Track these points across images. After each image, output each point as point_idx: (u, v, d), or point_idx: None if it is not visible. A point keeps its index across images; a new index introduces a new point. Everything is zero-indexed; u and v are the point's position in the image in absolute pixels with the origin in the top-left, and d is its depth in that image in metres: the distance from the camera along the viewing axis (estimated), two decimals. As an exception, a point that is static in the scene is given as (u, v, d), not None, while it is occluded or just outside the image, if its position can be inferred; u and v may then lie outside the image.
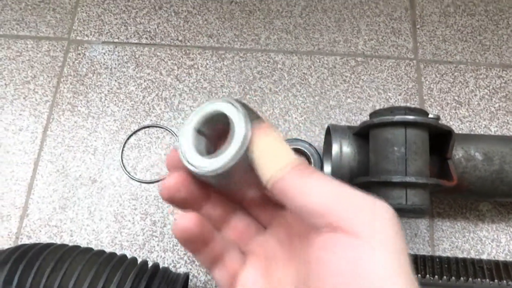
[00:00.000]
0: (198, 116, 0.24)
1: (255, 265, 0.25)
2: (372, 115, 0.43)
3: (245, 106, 0.23)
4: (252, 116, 0.24)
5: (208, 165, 0.23)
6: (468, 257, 0.50)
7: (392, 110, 0.40)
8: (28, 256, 0.41)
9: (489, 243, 0.51)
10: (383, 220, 0.20)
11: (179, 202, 0.24)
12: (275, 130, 0.24)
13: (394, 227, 0.20)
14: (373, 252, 0.19)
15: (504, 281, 0.45)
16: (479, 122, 0.57)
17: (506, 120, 0.57)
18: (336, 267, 0.19)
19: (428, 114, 0.42)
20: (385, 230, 0.20)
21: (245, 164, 0.23)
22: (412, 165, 0.39)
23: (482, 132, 0.56)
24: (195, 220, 0.23)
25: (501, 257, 0.50)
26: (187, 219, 0.23)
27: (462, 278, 0.45)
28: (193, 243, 0.24)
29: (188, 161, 0.23)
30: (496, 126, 0.56)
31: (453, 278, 0.45)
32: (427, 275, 0.45)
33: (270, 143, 0.23)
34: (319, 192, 0.21)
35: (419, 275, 0.45)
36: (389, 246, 0.19)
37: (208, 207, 0.26)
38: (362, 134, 0.44)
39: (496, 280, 0.45)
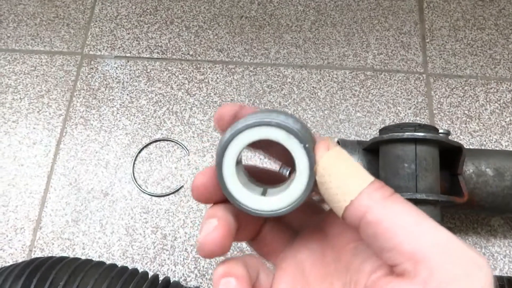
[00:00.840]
0: (241, 144, 0.20)
1: (284, 282, 0.22)
2: (382, 131, 0.43)
3: (298, 124, 0.20)
4: (308, 135, 0.20)
5: (267, 206, 0.20)
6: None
7: (402, 126, 0.41)
8: (42, 270, 0.41)
9: (501, 259, 0.51)
10: (478, 282, 0.17)
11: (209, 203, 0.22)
12: (336, 144, 0.20)
13: None
14: None
15: (517, 298, 0.44)
16: (490, 136, 0.56)
17: (517, 134, 0.56)
18: None
19: (438, 130, 0.42)
20: None
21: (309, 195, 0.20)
22: (423, 181, 0.39)
23: (493, 147, 0.56)
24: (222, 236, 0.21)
25: (513, 273, 0.50)
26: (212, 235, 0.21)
27: (473, 295, 0.44)
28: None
29: (239, 203, 0.20)
30: (507, 141, 0.56)
31: (465, 294, 0.44)
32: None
33: (338, 163, 0.20)
34: (411, 231, 0.18)
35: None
36: None
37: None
38: (372, 150, 0.44)
39: (508, 297, 0.44)
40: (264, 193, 0.20)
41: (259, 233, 0.24)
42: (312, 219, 0.24)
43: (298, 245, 0.23)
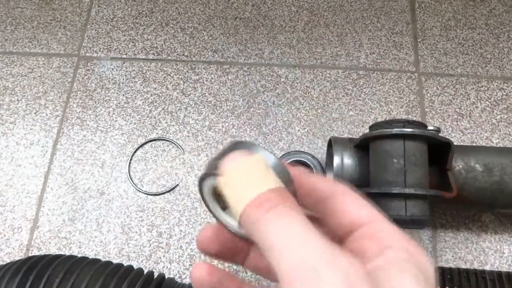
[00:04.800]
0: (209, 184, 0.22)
1: None
2: (372, 127, 0.44)
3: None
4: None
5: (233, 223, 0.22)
6: (471, 268, 0.50)
7: (391, 122, 0.41)
8: (38, 268, 0.42)
9: (492, 254, 0.51)
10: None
11: (212, 255, 0.23)
12: (249, 158, 0.20)
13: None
14: None
15: (507, 292, 0.45)
16: (481, 134, 0.57)
17: (507, 132, 0.57)
18: None
19: (427, 127, 0.42)
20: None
21: None
22: (411, 176, 0.40)
23: (483, 144, 0.57)
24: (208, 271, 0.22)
25: (504, 268, 0.51)
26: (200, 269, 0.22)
27: (464, 289, 0.45)
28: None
29: (217, 218, 0.22)
30: (498, 138, 0.57)
31: (456, 288, 0.45)
32: (429, 286, 0.45)
33: (237, 174, 0.20)
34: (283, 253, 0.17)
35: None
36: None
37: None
38: (363, 146, 0.45)
39: (498, 291, 0.45)
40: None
41: (248, 254, 0.24)
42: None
43: None
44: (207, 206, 0.23)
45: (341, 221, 0.21)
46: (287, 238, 0.17)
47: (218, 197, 0.22)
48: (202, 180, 0.22)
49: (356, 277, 0.17)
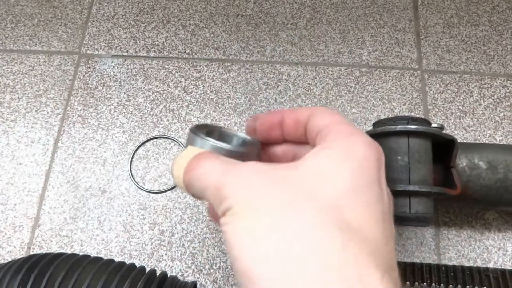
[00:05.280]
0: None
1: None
2: (375, 124, 0.44)
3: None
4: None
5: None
6: (475, 265, 0.50)
7: (395, 119, 0.41)
8: (40, 266, 0.42)
9: (496, 252, 0.51)
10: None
11: None
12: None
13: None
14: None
15: (511, 290, 0.45)
16: (484, 131, 0.57)
17: (511, 129, 0.57)
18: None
19: (431, 124, 0.42)
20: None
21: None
22: (416, 173, 0.39)
23: (487, 141, 0.56)
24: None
25: (507, 266, 0.50)
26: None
27: (468, 287, 0.45)
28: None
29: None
30: (501, 135, 0.57)
31: (459, 286, 0.45)
32: (433, 284, 0.45)
33: (174, 166, 0.27)
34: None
35: (425, 283, 0.45)
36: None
37: None
38: (366, 144, 0.45)
39: (502, 289, 0.45)
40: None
41: None
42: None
43: None
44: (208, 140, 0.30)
45: (311, 131, 0.26)
46: (203, 176, 0.24)
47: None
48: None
49: (251, 173, 0.22)
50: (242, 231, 0.20)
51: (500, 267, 0.49)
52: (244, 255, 0.19)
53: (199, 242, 0.52)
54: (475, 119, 0.58)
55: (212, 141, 0.27)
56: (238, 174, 0.22)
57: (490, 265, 0.50)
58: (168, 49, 0.63)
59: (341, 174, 0.21)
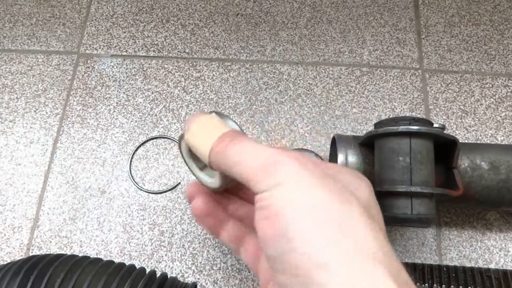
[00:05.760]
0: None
1: None
2: (377, 125, 0.43)
3: None
4: None
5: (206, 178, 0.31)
6: (476, 266, 0.49)
7: (397, 120, 0.41)
8: (39, 267, 0.41)
9: (497, 252, 0.51)
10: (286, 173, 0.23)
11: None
12: (207, 116, 0.28)
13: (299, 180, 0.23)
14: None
15: (513, 291, 0.45)
16: (485, 131, 0.57)
17: (512, 129, 0.57)
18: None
19: (432, 124, 0.42)
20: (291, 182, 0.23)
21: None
22: (417, 174, 0.39)
23: (488, 141, 0.56)
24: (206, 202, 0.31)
25: (509, 266, 0.50)
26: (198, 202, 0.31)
27: (469, 287, 0.45)
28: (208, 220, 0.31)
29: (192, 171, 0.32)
30: (503, 135, 0.56)
31: (461, 287, 0.45)
32: (435, 284, 0.45)
33: (200, 127, 0.27)
34: (250, 160, 0.24)
35: (427, 284, 0.45)
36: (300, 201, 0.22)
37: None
38: (367, 144, 0.45)
39: (504, 290, 0.45)
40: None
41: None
42: None
43: None
44: (188, 166, 0.31)
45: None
46: (245, 152, 0.24)
47: (195, 157, 0.30)
48: (179, 142, 0.31)
49: (307, 160, 0.23)
50: (297, 203, 0.22)
51: (501, 268, 0.49)
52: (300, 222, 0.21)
53: (199, 242, 0.51)
54: (477, 119, 0.57)
55: (239, 128, 0.29)
56: (296, 156, 0.23)
57: (492, 266, 0.50)
58: (168, 49, 0.63)
59: (363, 188, 0.26)
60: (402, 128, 0.39)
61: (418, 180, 0.39)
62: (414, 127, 0.39)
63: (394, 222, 0.40)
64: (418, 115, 0.58)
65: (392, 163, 0.40)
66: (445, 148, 0.43)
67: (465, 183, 0.44)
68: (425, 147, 0.40)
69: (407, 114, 0.58)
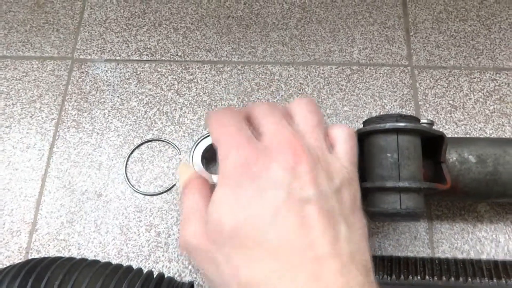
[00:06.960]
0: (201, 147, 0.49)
1: None
2: (365, 123, 0.44)
3: None
4: None
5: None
6: (468, 258, 0.50)
7: (384, 117, 0.42)
8: (37, 271, 0.42)
9: (488, 243, 0.52)
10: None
11: None
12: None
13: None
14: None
15: (503, 280, 0.46)
16: (474, 125, 0.58)
17: (501, 122, 0.58)
18: None
19: (419, 120, 0.43)
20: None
21: None
22: (405, 170, 0.40)
23: (477, 135, 0.57)
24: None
25: (500, 257, 0.51)
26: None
27: (461, 279, 0.46)
28: None
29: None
30: (492, 129, 0.57)
31: (452, 278, 0.46)
32: (427, 277, 0.46)
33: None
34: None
35: (419, 276, 0.46)
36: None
37: None
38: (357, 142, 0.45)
39: (495, 280, 0.45)
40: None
41: None
42: None
43: None
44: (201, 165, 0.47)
45: None
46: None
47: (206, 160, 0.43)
48: (197, 143, 0.46)
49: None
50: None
51: (492, 258, 0.50)
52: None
53: (196, 242, 0.52)
54: (466, 113, 0.58)
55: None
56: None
57: (483, 257, 0.51)
58: (160, 52, 0.64)
59: None
60: (389, 125, 0.40)
61: (406, 175, 0.40)
62: (401, 124, 0.40)
63: (384, 217, 0.41)
64: (408, 112, 0.58)
65: (380, 159, 0.41)
66: (433, 143, 0.44)
67: (453, 177, 0.45)
68: (412, 143, 0.41)
69: (397, 111, 0.59)
